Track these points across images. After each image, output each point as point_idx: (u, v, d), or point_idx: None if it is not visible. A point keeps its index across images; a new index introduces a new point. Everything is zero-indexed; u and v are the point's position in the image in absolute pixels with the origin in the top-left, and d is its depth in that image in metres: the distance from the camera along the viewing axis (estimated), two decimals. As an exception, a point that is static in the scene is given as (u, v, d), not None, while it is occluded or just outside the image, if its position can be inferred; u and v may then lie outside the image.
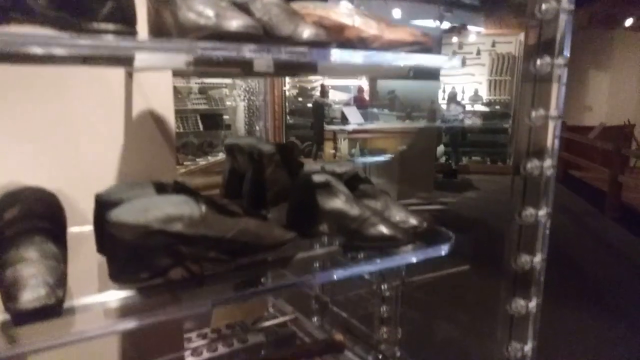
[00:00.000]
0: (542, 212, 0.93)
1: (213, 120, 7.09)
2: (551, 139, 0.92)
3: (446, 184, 6.93)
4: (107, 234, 0.71)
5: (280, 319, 1.37)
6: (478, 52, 8.50)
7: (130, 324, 0.65)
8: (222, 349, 1.41)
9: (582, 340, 2.85)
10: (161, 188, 0.83)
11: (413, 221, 0.97)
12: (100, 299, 0.68)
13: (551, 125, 0.91)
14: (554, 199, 0.95)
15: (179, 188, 0.81)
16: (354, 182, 0.98)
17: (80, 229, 0.94)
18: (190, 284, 0.73)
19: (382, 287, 1.29)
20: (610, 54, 8.79)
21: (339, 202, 0.91)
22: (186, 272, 0.74)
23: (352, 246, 0.89)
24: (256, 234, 0.79)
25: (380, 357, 1.17)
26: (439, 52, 8.35)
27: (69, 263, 0.72)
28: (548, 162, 0.92)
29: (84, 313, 0.66)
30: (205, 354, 1.39)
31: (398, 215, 0.97)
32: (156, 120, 1.02)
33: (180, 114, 7.18)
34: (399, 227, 0.91)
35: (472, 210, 5.65)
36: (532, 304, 0.98)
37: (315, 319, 1.46)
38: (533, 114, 0.91)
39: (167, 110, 1.03)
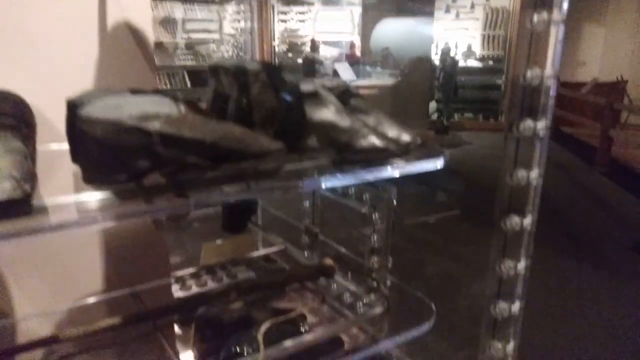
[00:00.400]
0: (534, 174, 0.91)
1: (200, 77, 6.92)
2: (546, 98, 0.88)
3: (437, 141, 6.91)
4: (78, 132, 0.66)
5: (269, 250, 1.34)
6: (472, 6, 8.30)
7: (107, 218, 0.61)
8: (211, 284, 1.39)
9: (565, 287, 2.91)
10: (139, 93, 0.77)
11: (406, 137, 0.92)
12: (73, 199, 0.64)
13: (547, 84, 0.87)
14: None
15: (159, 92, 0.75)
16: (346, 97, 0.94)
17: (59, 146, 0.89)
18: (170, 189, 0.69)
19: (373, 216, 1.27)
20: (605, 9, 8.64)
21: (328, 114, 0.86)
22: (165, 176, 0.69)
23: (343, 159, 0.85)
24: (240, 140, 0.74)
25: (372, 283, 1.16)
26: (432, 6, 8.17)
27: (45, 181, 0.68)
28: (542, 123, 0.89)
29: (57, 212, 0.61)
30: (194, 288, 1.37)
31: (391, 131, 0.93)
32: (133, 31, 0.95)
33: (166, 70, 7.00)
34: (391, 140, 0.87)
35: (460, 165, 5.66)
36: (521, 265, 0.97)
37: (305, 253, 1.44)
38: (528, 73, 0.87)
39: (144, 21, 0.96)
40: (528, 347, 2.14)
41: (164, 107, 0.68)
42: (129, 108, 0.66)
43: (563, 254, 3.33)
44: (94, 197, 0.65)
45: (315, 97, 0.86)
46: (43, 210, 0.60)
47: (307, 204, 1.50)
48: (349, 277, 1.23)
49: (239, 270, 1.42)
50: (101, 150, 0.65)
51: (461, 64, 8.03)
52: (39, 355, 0.88)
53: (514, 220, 0.95)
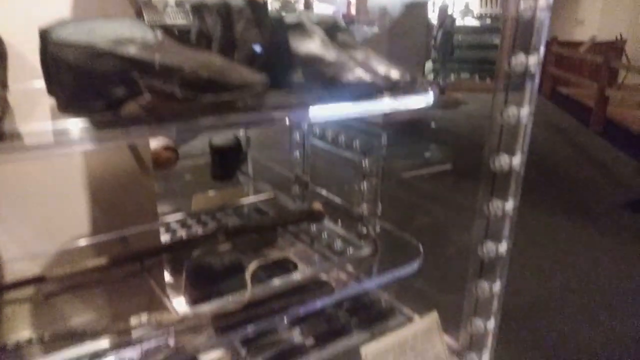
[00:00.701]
0: (525, 112, 0.90)
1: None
2: (538, 34, 0.86)
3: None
4: (50, 59, 0.63)
5: (259, 197, 1.34)
6: (471, -38, 8.06)
7: (84, 141, 0.59)
8: (199, 230, 1.39)
9: (554, 240, 2.95)
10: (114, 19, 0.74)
11: (395, 73, 0.90)
12: (48, 127, 0.62)
13: (540, 17, 0.84)
14: (541, 115, 0.92)
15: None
16: (334, 31, 0.90)
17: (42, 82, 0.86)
18: (148, 119, 0.67)
19: (363, 162, 1.25)
20: (607, -35, 8.41)
21: (313, 46, 0.83)
22: (143, 108, 0.67)
23: (330, 94, 0.82)
24: (221, 70, 0.72)
25: (362, 228, 1.16)
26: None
27: (22, 119, 0.65)
28: (534, 59, 0.87)
29: (32, 137, 0.59)
30: (181, 232, 1.37)
31: (379, 66, 0.90)
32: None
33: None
34: (380, 75, 0.85)
35: (455, 125, 5.64)
36: (509, 205, 0.96)
37: (296, 202, 1.44)
38: (521, 3, 0.84)
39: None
40: (516, 296, 2.19)
41: (139, 32, 0.65)
42: (102, 32, 0.63)
43: (554, 210, 3.36)
44: (71, 125, 0.62)
45: (300, 28, 0.83)
46: (17, 135, 0.58)
47: (297, 154, 1.48)
48: (339, 224, 1.23)
49: (227, 218, 1.42)
50: (75, 76, 0.62)
51: (458, 22, 7.87)
52: (27, 295, 0.88)
53: (503, 160, 0.95)
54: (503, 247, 1.00)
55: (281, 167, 1.47)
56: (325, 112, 0.76)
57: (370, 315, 1.16)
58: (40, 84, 0.82)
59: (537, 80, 0.90)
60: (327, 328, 1.10)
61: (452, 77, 7.96)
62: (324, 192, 1.34)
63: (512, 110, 0.90)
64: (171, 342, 0.92)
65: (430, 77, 7.52)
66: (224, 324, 0.85)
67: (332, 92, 0.80)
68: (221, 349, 1.11)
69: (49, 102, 0.72)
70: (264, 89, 0.72)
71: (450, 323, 1.15)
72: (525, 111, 0.90)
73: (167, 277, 1.20)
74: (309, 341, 1.06)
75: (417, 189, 3.66)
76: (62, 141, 0.59)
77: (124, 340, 0.73)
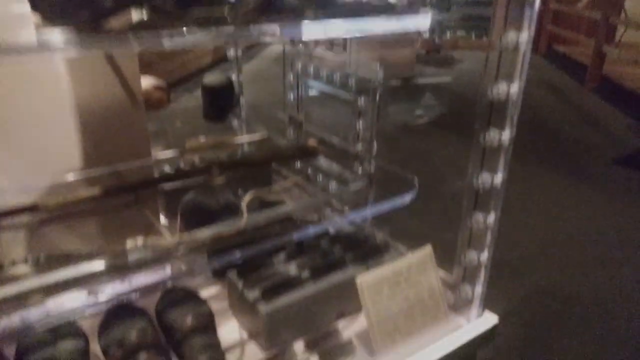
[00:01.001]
0: (515, 88, 0.91)
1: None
2: (531, 9, 0.84)
3: (429, 60, 6.76)
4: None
5: (252, 136, 1.32)
6: None
7: (71, 51, 0.57)
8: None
9: (546, 195, 2.98)
10: None
11: (392, -4, 0.87)
12: (33, 37, 0.59)
13: None
14: (535, 73, 0.92)
15: None
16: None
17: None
18: (136, 30, 0.65)
19: (359, 101, 1.24)
20: None
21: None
22: (131, 19, 0.65)
23: (324, 13, 0.80)
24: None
25: (357, 165, 1.15)
26: None
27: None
28: (525, 35, 0.86)
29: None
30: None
31: (375, -11, 0.87)
32: None
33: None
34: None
35: (449, 83, 5.59)
36: (506, 135, 0.96)
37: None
38: None
39: None
40: (508, 250, 2.23)
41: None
42: None
43: (547, 167, 3.38)
44: (55, 35, 0.60)
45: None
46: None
47: (291, 96, 1.46)
48: (333, 162, 1.22)
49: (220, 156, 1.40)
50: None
51: (455, -23, 7.66)
52: (21, 222, 0.88)
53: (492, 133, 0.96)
54: (498, 179, 1.00)
55: (275, 110, 1.45)
56: (319, 28, 0.74)
57: (365, 251, 1.17)
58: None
59: (528, 56, 0.90)
60: (323, 262, 1.11)
61: (448, 34, 7.81)
62: (318, 133, 1.32)
63: (502, 86, 0.91)
64: (168, 270, 0.93)
65: (426, 34, 7.37)
66: (219, 251, 0.85)
67: (327, 9, 0.78)
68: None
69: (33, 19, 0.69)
70: (257, 3, 0.70)
71: (444, 260, 1.17)
72: (515, 87, 0.90)
73: (163, 220, 1.20)
74: (305, 274, 1.07)
75: (413, 131, 3.79)
76: (45, 44, 0.56)
77: (120, 262, 0.73)
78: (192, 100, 1.39)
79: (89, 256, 0.73)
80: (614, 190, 3.07)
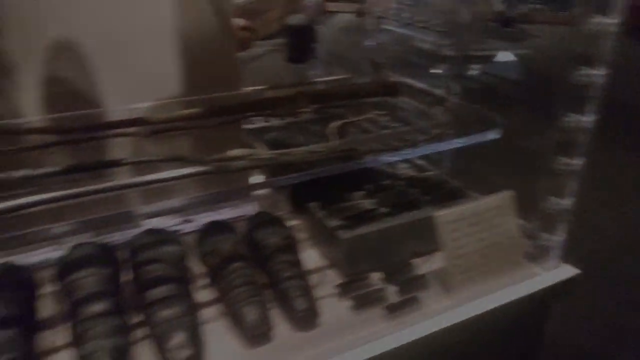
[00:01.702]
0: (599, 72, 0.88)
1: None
2: None
3: (500, 33, 6.45)
4: None
5: (333, 77, 1.34)
6: None
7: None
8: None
9: (626, 176, 2.83)
10: None
11: None
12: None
13: None
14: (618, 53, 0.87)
15: None
16: None
17: None
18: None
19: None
20: None
21: None
22: None
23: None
24: None
25: (439, 103, 1.15)
26: None
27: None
28: (614, 18, 0.83)
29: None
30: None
31: None
32: None
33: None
34: None
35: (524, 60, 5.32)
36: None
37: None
38: None
39: None
40: (580, 229, 2.14)
41: None
42: None
43: (625, 148, 3.19)
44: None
45: None
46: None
47: (370, 41, 1.47)
48: (414, 101, 1.22)
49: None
50: None
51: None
52: (126, 138, 0.95)
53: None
54: (586, 122, 0.97)
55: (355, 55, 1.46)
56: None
57: (441, 195, 1.18)
58: None
59: (613, 40, 0.86)
60: (400, 201, 1.13)
61: (522, 7, 7.40)
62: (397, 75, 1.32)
63: (585, 70, 0.88)
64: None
65: (497, 6, 7.03)
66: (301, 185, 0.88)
67: None
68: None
69: None
70: None
71: (523, 210, 1.14)
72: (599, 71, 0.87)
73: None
74: (383, 210, 1.10)
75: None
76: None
77: (222, 167, 0.79)
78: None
79: (194, 160, 0.79)
80: None
